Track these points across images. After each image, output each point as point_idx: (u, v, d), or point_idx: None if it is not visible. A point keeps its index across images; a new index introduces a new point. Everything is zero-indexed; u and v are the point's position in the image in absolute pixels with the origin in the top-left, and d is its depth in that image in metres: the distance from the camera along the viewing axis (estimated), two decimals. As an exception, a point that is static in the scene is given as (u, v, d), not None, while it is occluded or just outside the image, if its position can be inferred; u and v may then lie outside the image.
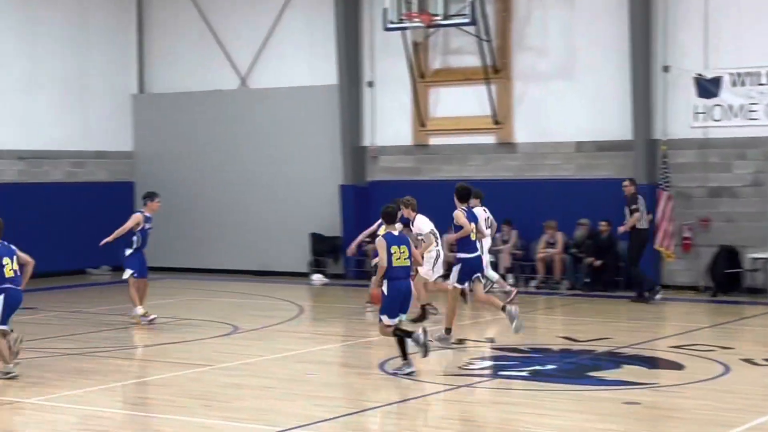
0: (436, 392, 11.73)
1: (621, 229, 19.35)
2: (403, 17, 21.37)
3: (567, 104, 21.67)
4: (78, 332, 16.04)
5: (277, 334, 16.16)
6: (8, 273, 12.27)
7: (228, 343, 15.20)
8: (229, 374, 12.74)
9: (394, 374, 12.40)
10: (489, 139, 22.48)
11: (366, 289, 18.22)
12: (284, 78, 24.35)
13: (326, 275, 23.24)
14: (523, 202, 21.62)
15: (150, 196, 17.25)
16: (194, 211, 25.21)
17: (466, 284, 14.01)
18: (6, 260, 12.29)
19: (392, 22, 21.56)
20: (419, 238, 16.53)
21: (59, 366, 13.51)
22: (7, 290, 12.23)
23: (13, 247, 12.46)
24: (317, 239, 23.65)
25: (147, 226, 17.04)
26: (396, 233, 12.48)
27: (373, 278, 14.14)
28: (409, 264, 12.41)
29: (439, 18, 21.26)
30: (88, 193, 24.94)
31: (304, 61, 24.23)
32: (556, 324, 17.78)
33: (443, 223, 22.02)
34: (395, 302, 12.33)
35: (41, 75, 24.10)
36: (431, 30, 22.16)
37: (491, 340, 15.19)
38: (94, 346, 14.85)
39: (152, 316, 16.59)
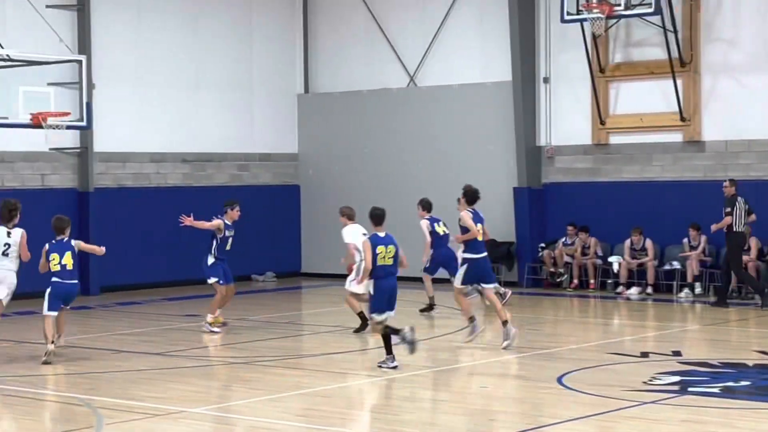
0: (620, 408, 11.48)
1: (713, 227, 19.55)
2: (582, 8, 21.08)
3: (761, 99, 21.01)
4: (242, 341, 16.32)
5: (448, 344, 16.11)
6: (54, 267, 14.59)
7: (396, 353, 15.20)
8: (398, 386, 12.75)
9: (572, 389, 12.21)
10: (675, 137, 21.98)
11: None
12: (455, 75, 24.32)
13: (499, 282, 23.07)
14: (712, 205, 21.01)
15: (230, 204, 17.50)
16: (360, 215, 25.34)
17: (470, 286, 15.28)
18: (54, 256, 14.58)
19: (570, 14, 21.31)
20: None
21: (224, 375, 13.76)
22: (53, 283, 14.58)
23: (74, 243, 14.78)
24: (490, 244, 23.48)
25: (228, 233, 17.39)
26: (382, 234, 13.57)
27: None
28: (393, 263, 13.51)
29: (620, 8, 20.89)
30: (253, 196, 25.41)
31: (476, 57, 24.17)
32: (751, 337, 17.24)
33: (625, 227, 21.68)
34: (382, 300, 13.39)
35: (206, 77, 24.69)
36: (612, 21, 21.79)
37: (677, 354, 14.82)
38: (259, 354, 15.08)
39: (217, 329, 16.84)
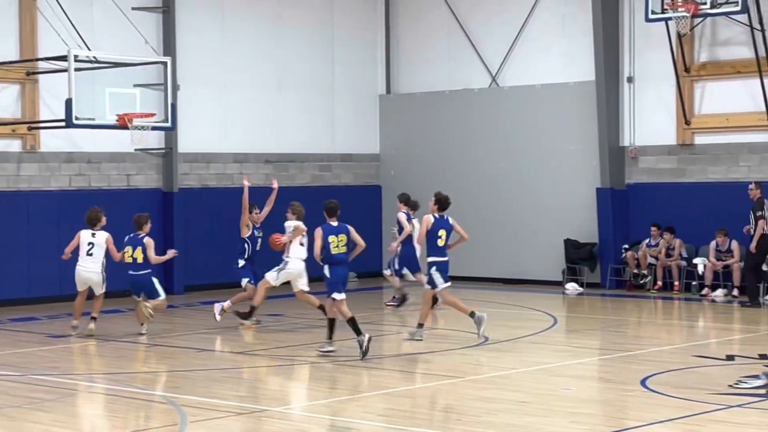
0: (705, 412, 11.32)
1: (752, 241, 19.80)
2: (667, 7, 20.85)
3: None
4: (324, 340, 16.37)
5: (530, 345, 16.04)
6: (127, 259, 16.77)
7: (479, 354, 15.19)
8: (481, 387, 12.71)
9: (656, 392, 12.08)
10: (763, 137, 21.64)
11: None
12: (537, 75, 24.20)
13: (581, 284, 22.93)
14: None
15: (251, 206, 18.03)
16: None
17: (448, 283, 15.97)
18: (128, 248, 16.71)
19: (654, 12, 21.10)
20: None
21: (306, 374, 13.82)
22: (130, 275, 16.74)
23: (145, 240, 16.69)
24: (572, 246, 23.36)
25: (256, 233, 18.01)
26: (335, 224, 14.87)
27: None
28: (346, 251, 14.75)
29: (705, 6, 20.63)
30: (334, 196, 25.42)
31: (559, 57, 24.02)
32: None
33: (710, 229, 21.37)
34: (337, 283, 14.68)
35: (288, 78, 24.83)
36: (697, 20, 21.52)
37: (764, 357, 14.58)
38: (341, 354, 15.11)
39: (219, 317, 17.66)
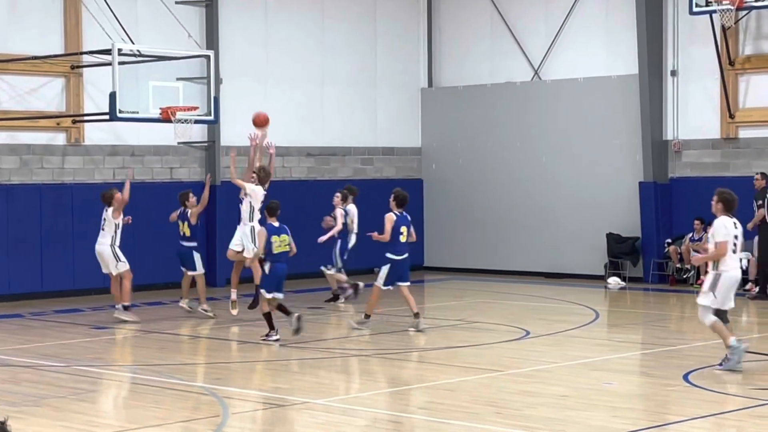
0: (747, 407, 11.25)
1: (749, 225, 19.63)
2: (711, 0, 20.69)
3: None
4: (365, 333, 16.41)
5: (572, 339, 15.99)
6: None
7: (519, 348, 15.17)
8: (521, 381, 12.69)
9: (698, 387, 12.01)
10: (808, 130, 21.47)
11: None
12: (580, 68, 24.10)
13: (623, 278, 22.83)
14: None
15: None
16: (483, 209, 25.35)
17: (390, 286, 16.38)
18: (180, 222, 18.06)
19: (699, 6, 20.94)
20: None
21: (347, 367, 13.85)
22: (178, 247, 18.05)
23: (189, 212, 18.06)
24: (614, 240, 23.26)
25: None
26: (276, 224, 15.37)
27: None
28: (288, 250, 15.39)
29: (750, 0, 20.45)
30: (376, 190, 25.52)
31: (601, 51, 23.90)
32: None
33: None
34: (274, 281, 15.25)
35: (330, 71, 24.86)
36: (742, 13, 21.33)
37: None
38: (382, 347, 15.14)
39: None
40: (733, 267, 12.98)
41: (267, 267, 15.32)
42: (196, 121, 19.42)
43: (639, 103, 22.97)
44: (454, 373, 13.33)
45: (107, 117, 18.70)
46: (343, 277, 19.87)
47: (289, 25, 24.15)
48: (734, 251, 13.01)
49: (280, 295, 15.37)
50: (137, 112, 18.77)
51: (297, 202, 22.80)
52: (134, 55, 18.96)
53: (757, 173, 20.48)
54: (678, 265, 22.22)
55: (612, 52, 23.71)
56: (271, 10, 23.91)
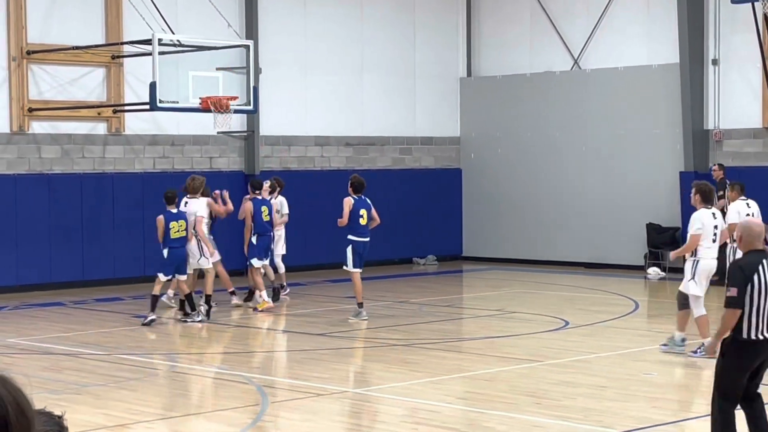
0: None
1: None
2: (753, -12, 20.51)
3: None
4: (404, 323, 16.44)
5: (611, 330, 15.94)
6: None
7: (558, 339, 15.14)
8: (561, 371, 12.68)
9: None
10: None
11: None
12: (620, 57, 23.97)
13: (663, 269, 22.72)
14: None
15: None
16: (521, 199, 25.29)
17: (359, 268, 16.62)
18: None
19: (740, -6, 20.76)
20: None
21: (385, 357, 13.89)
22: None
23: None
24: (654, 230, 23.15)
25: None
26: (175, 211, 16.33)
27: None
28: (185, 235, 16.31)
29: (793, -13, 20.25)
30: (415, 179, 25.55)
31: (642, 39, 23.77)
32: None
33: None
34: (172, 265, 16.19)
35: (369, 61, 24.88)
36: (784, 1, 21.13)
37: None
38: (421, 337, 15.17)
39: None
40: (708, 256, 13.40)
41: (165, 252, 16.25)
42: (236, 111, 19.49)
43: (680, 92, 22.82)
44: (493, 363, 13.34)
45: (147, 107, 18.81)
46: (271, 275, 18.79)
47: (328, 15, 24.17)
48: (714, 241, 13.43)
49: (183, 277, 16.37)
50: (177, 102, 18.85)
51: (336, 191, 22.80)
52: (174, 45, 19.04)
53: (714, 165, 21.04)
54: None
55: (652, 41, 23.57)
56: (310, 0, 23.93)
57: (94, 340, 15.07)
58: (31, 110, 20.25)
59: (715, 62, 22.71)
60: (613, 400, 11.12)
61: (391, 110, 25.27)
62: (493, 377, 12.44)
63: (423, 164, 25.84)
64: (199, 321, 16.29)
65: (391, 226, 24.66)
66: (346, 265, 16.74)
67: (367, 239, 16.83)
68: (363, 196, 16.91)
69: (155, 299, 16.28)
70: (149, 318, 16.12)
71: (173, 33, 19.45)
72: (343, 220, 16.68)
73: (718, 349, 8.59)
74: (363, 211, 16.73)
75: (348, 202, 16.73)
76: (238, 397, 11.74)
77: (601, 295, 19.95)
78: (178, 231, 16.26)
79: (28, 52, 20.15)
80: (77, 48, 20.30)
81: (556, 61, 24.97)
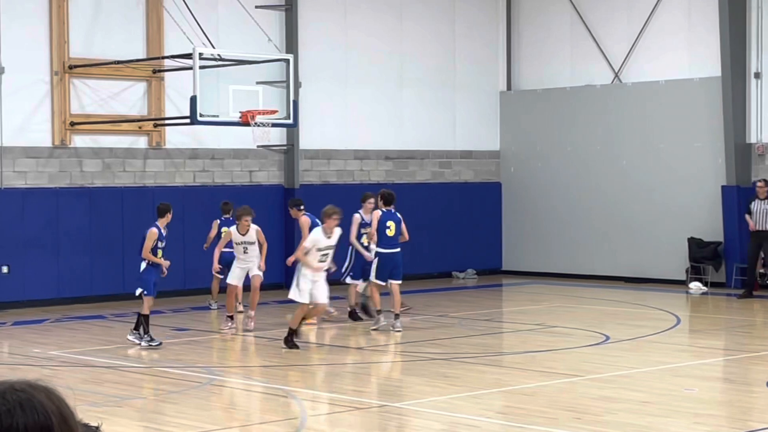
0: (834, 416, 11.05)
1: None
2: (796, 0, 20.38)
3: None
4: (443, 337, 16.41)
5: (652, 345, 15.82)
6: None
7: (599, 353, 15.05)
8: (601, 386, 12.60)
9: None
10: None
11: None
12: (661, 71, 23.84)
13: (705, 283, 22.54)
14: None
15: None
16: (562, 213, 25.19)
17: (382, 281, 16.75)
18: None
19: (783, 6, 20.63)
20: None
21: (425, 371, 13.86)
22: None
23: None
24: (696, 244, 22.97)
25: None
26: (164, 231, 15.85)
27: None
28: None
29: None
30: (455, 193, 25.50)
31: (683, 53, 23.63)
32: None
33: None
34: (155, 283, 15.63)
35: (409, 75, 24.88)
36: (828, 13, 20.96)
37: None
38: (460, 351, 15.12)
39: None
40: None
41: (145, 268, 15.75)
42: (275, 125, 19.55)
43: (722, 105, 22.67)
44: (533, 377, 13.27)
45: (188, 121, 18.91)
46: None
47: (367, 30, 24.21)
48: None
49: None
50: (217, 116, 18.94)
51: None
52: (215, 59, 19.14)
53: (758, 180, 21.23)
54: (761, 270, 21.89)
55: (694, 54, 23.43)
56: (350, 14, 23.99)
57: (135, 353, 15.13)
58: (72, 124, 20.40)
59: (757, 75, 22.55)
60: (655, 416, 11.03)
61: (431, 124, 25.25)
62: (533, 392, 12.38)
63: (463, 178, 25.79)
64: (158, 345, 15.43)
65: (431, 240, 24.64)
66: (370, 277, 16.90)
67: (396, 250, 16.94)
68: (393, 210, 17.07)
69: (146, 319, 15.64)
70: (132, 337, 15.61)
71: (214, 47, 19.55)
72: (371, 232, 16.95)
73: None
74: (390, 223, 16.93)
75: (376, 214, 16.99)
76: (277, 410, 11.74)
77: (641, 309, 19.81)
78: (163, 249, 15.94)
79: (71, 67, 20.31)
80: (118, 62, 20.44)
81: (596, 74, 24.87)
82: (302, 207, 18.18)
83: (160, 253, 15.64)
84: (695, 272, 22.87)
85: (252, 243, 16.84)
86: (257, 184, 22.68)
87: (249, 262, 16.97)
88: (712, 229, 22.87)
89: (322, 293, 15.40)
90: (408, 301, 19.97)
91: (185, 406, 11.79)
